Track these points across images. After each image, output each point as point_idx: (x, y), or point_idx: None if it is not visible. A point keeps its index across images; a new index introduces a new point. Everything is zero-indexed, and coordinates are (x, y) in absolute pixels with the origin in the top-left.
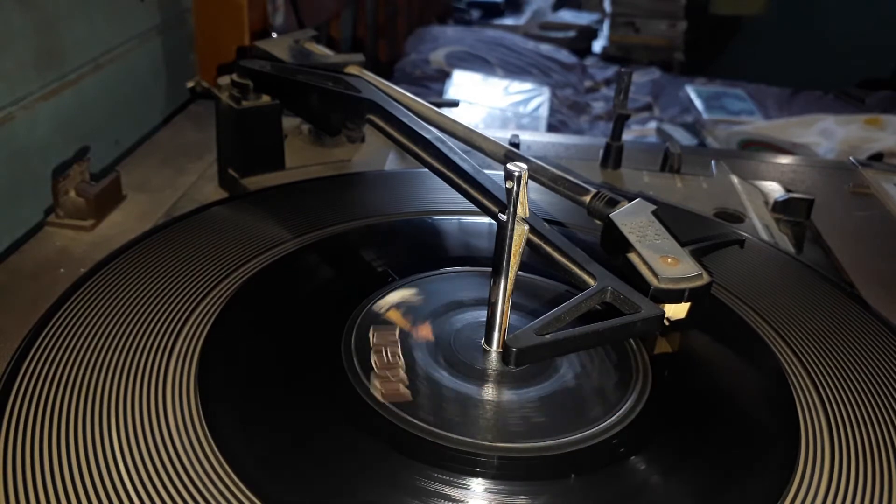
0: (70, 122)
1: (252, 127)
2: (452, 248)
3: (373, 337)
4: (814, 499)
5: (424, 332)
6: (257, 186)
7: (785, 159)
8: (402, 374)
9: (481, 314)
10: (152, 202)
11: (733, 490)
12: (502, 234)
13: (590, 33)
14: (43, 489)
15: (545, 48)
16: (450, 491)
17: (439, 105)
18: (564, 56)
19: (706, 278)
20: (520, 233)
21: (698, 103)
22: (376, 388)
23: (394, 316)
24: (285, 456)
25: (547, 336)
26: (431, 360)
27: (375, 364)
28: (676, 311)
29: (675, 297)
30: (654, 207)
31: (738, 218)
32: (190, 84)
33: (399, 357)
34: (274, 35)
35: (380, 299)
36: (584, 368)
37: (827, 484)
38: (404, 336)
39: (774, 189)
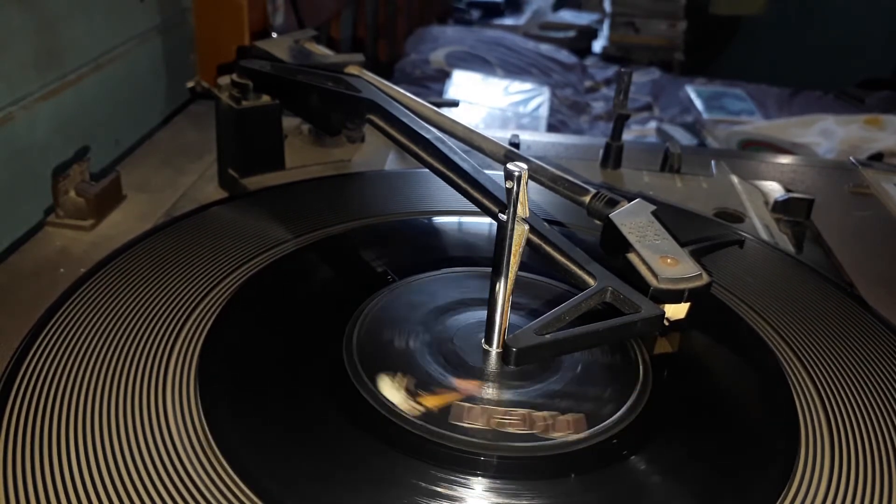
0: (70, 122)
1: (252, 127)
2: (452, 248)
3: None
4: (814, 499)
5: (468, 386)
6: (257, 186)
7: (785, 159)
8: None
9: (481, 314)
10: (152, 202)
11: (733, 490)
12: (502, 234)
13: (590, 33)
14: (43, 489)
15: (545, 48)
16: (449, 491)
17: (439, 105)
18: (564, 56)
19: (706, 278)
20: (520, 233)
21: (698, 103)
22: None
23: (434, 402)
24: (285, 455)
25: (547, 336)
26: (431, 361)
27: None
28: (676, 311)
29: (675, 297)
30: (653, 207)
31: (738, 218)
32: (190, 84)
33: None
34: (274, 35)
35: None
36: (583, 368)
37: (827, 484)
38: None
39: (774, 189)
